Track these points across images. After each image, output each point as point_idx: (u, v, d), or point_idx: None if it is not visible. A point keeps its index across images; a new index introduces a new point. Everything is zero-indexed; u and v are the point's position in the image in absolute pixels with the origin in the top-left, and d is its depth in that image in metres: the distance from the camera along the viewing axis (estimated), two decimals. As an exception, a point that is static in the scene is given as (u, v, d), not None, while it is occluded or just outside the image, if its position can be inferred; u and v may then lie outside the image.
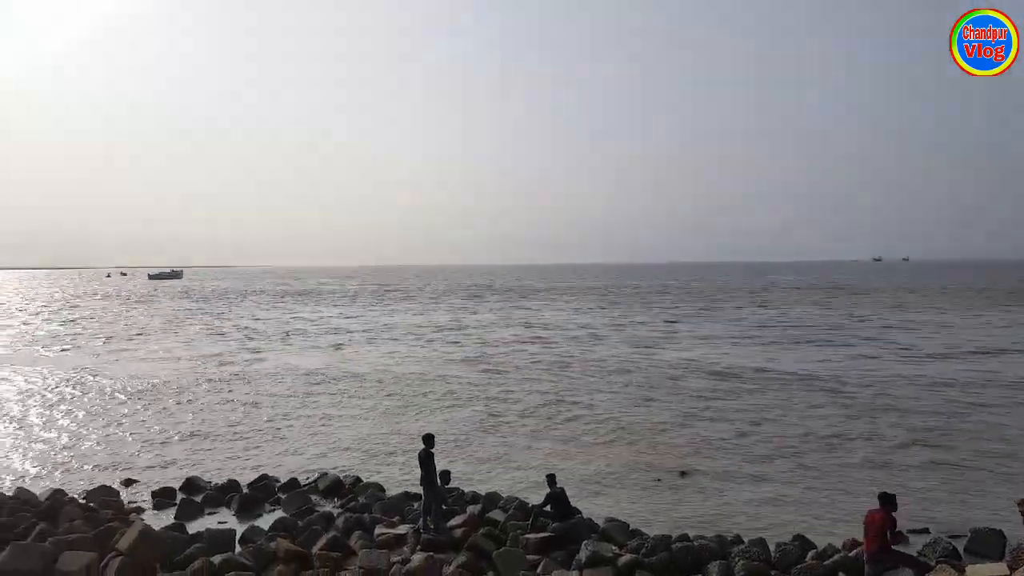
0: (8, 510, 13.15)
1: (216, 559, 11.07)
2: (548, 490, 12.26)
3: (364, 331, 52.56)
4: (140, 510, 14.58)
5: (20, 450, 19.76)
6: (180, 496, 15.40)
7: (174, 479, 16.53)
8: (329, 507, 14.63)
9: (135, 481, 16.66)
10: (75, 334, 52.76)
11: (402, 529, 12.66)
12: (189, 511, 14.41)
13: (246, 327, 56.81)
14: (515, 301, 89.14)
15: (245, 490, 15.52)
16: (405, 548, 11.98)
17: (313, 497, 15.12)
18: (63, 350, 42.85)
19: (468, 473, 16.77)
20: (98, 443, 20.45)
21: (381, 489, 15.47)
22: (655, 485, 15.75)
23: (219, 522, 13.76)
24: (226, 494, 15.24)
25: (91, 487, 15.67)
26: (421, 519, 12.54)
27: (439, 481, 12.71)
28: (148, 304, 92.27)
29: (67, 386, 29.66)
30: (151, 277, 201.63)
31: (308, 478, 16.39)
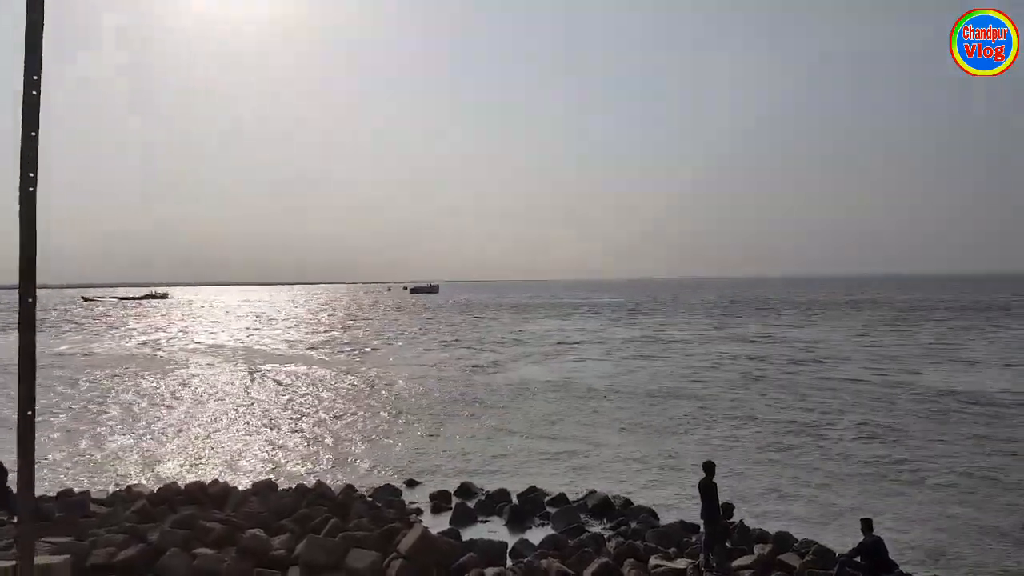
0: (308, 502, 14.19)
1: (489, 572, 10.72)
2: (861, 538, 10.12)
3: (635, 341, 51.55)
4: (419, 511, 14.99)
5: (320, 444, 21.85)
6: (455, 500, 15.63)
7: (450, 482, 16.89)
8: (598, 528, 13.81)
9: (416, 483, 17.32)
10: (356, 341, 58.87)
11: (680, 563, 11.31)
12: (463, 517, 14.47)
13: (504, 338, 59.07)
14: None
15: (515, 500, 15.31)
16: (685, 585, 10.65)
17: (581, 516, 14.41)
18: (350, 353, 47.94)
19: (751, 507, 14.88)
20: (382, 442, 21.92)
21: (654, 515, 14.29)
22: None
23: (490, 531, 13.67)
24: (497, 503, 15.15)
25: (377, 485, 16.57)
26: (702, 554, 11.11)
27: (721, 514, 11.17)
28: (412, 314, 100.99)
29: (354, 385, 32.77)
30: (412, 291, 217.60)
31: (577, 494, 15.74)
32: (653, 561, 11.45)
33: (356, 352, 50.31)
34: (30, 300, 3.34)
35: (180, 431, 24.10)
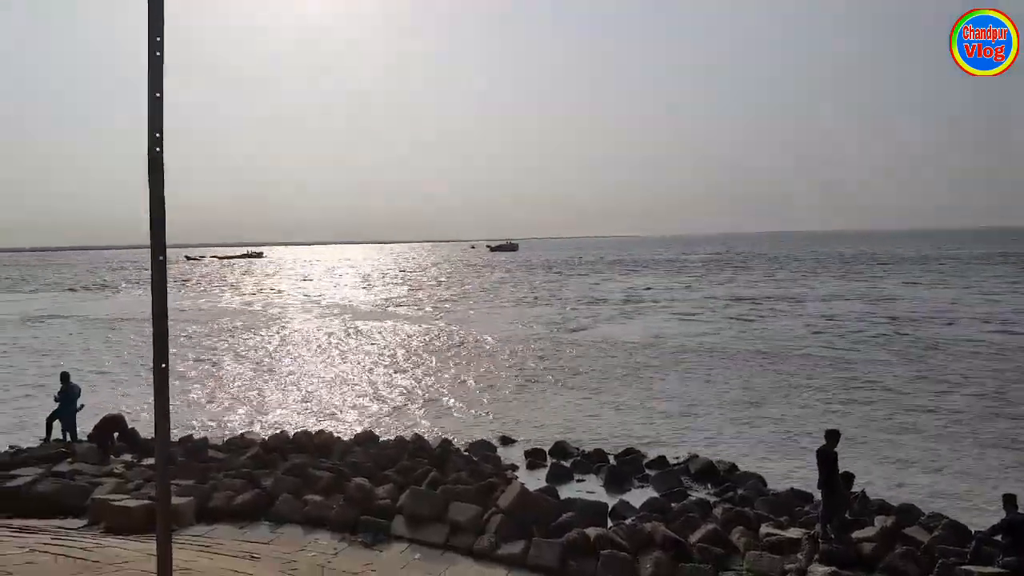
0: (409, 454, 14.46)
1: (590, 532, 10.57)
2: (1004, 515, 9.37)
3: (730, 298, 49.84)
4: (515, 467, 15.02)
5: (412, 398, 22.30)
6: (550, 459, 15.57)
7: (544, 441, 16.85)
8: (703, 493, 13.43)
9: (510, 440, 17.37)
10: (441, 298, 59.55)
11: (794, 533, 10.83)
12: (559, 475, 14.39)
13: (588, 295, 58.29)
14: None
15: (612, 461, 15.12)
16: (799, 556, 10.16)
17: (683, 479, 14.06)
18: (435, 310, 48.61)
19: (883, 476, 14.14)
20: (472, 398, 22.14)
21: (763, 481, 13.76)
22: None
23: (587, 491, 13.50)
24: (594, 463, 15.00)
25: (472, 440, 16.72)
26: (819, 525, 10.58)
27: (841, 484, 10.59)
28: (493, 272, 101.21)
29: (442, 341, 33.23)
30: (491, 249, 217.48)
31: (677, 458, 15.38)
32: (764, 529, 11.00)
33: (441, 309, 51.03)
34: (160, 259, 3.43)
35: (284, 382, 25.13)
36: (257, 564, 8.48)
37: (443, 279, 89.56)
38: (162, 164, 3.38)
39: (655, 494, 13.17)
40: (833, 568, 9.42)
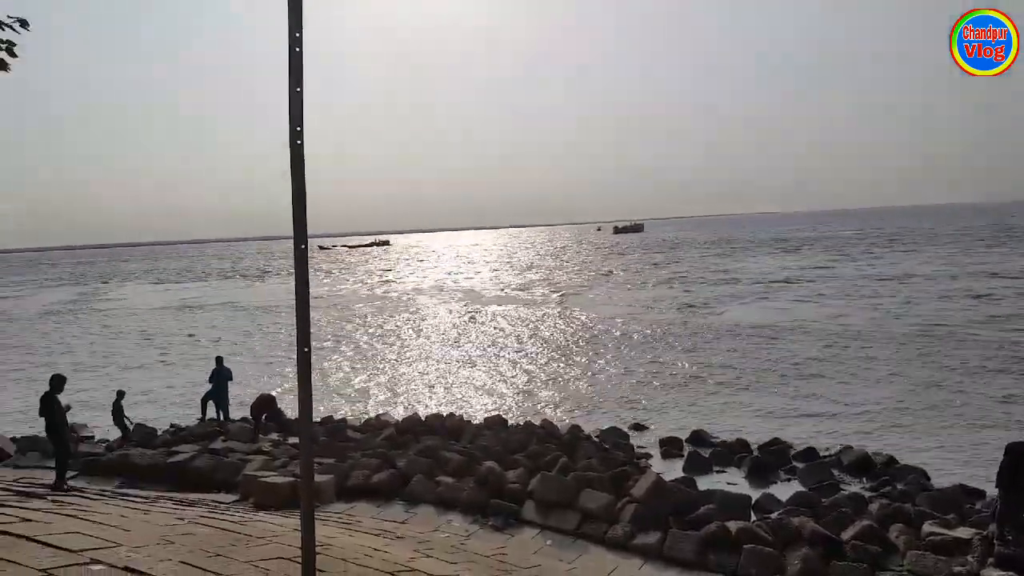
0: (537, 439, 14.34)
1: (732, 525, 10.00)
2: None
3: (878, 278, 46.02)
4: (649, 456, 14.56)
5: (539, 382, 22.21)
6: (688, 448, 14.97)
7: (680, 429, 16.24)
8: (856, 487, 12.45)
9: (643, 427, 16.89)
10: (565, 282, 59.10)
11: (963, 533, 9.76)
12: (697, 465, 13.78)
13: (719, 275, 55.89)
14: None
15: (756, 452, 14.31)
16: (969, 558, 9.15)
17: (835, 472, 13.08)
18: (561, 294, 48.34)
19: None
20: (601, 383, 21.76)
21: (926, 476, 12.57)
22: None
23: (728, 483, 12.80)
24: (735, 453, 14.25)
25: (602, 427, 16.38)
26: (994, 525, 9.47)
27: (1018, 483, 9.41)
28: (618, 254, 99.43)
29: (566, 325, 32.93)
30: (616, 231, 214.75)
31: (828, 449, 14.37)
32: (927, 528, 10.00)
33: (564, 292, 50.80)
34: (302, 247, 3.54)
35: (414, 366, 25.83)
36: (393, 543, 8.59)
37: (567, 262, 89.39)
38: (303, 157, 3.48)
39: (803, 488, 12.35)
40: (1010, 573, 8.40)
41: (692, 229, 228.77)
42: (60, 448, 10.74)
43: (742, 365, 23.43)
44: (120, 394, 15.63)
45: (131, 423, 16.09)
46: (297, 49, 3.47)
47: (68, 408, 11.03)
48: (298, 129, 3.50)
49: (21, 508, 6.60)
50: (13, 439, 15.98)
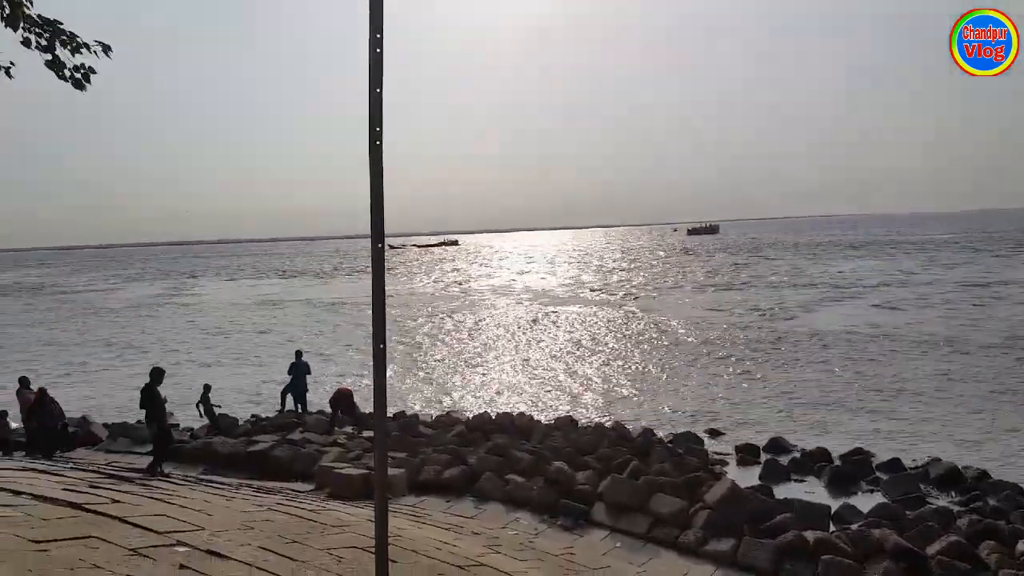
0: (608, 441, 14.21)
1: (809, 535, 9.66)
2: None
3: (974, 285, 43.46)
4: (724, 463, 14.22)
5: (611, 384, 21.99)
6: (764, 456, 14.54)
7: (758, 436, 15.80)
8: (944, 501, 11.83)
9: (719, 433, 16.51)
10: (636, 283, 58.17)
11: (1064, 554, 9.15)
12: (774, 473, 13.37)
13: (795, 280, 53.98)
14: None
15: (837, 462, 13.78)
16: (1069, 581, 8.59)
17: (921, 486, 12.46)
18: (632, 295, 47.77)
19: None
20: (674, 387, 21.38)
21: (1021, 493, 11.83)
22: None
23: (806, 492, 12.39)
24: (815, 462, 13.75)
25: (676, 432, 16.09)
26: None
27: None
28: (692, 256, 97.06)
29: (638, 327, 32.47)
30: (689, 232, 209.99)
31: (915, 461, 13.71)
32: (1022, 547, 9.44)
33: (637, 294, 50.15)
34: (379, 246, 3.63)
35: (484, 364, 26.03)
36: (462, 537, 8.67)
37: (639, 263, 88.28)
38: (381, 157, 3.52)
39: (886, 500, 11.81)
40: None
41: (768, 231, 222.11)
42: (162, 436, 11.36)
43: (826, 373, 22.59)
44: (207, 388, 16.33)
45: (216, 414, 16.82)
46: (378, 50, 3.49)
47: (165, 400, 11.67)
48: (377, 130, 3.52)
49: (113, 490, 6.99)
50: (105, 425, 16.96)
